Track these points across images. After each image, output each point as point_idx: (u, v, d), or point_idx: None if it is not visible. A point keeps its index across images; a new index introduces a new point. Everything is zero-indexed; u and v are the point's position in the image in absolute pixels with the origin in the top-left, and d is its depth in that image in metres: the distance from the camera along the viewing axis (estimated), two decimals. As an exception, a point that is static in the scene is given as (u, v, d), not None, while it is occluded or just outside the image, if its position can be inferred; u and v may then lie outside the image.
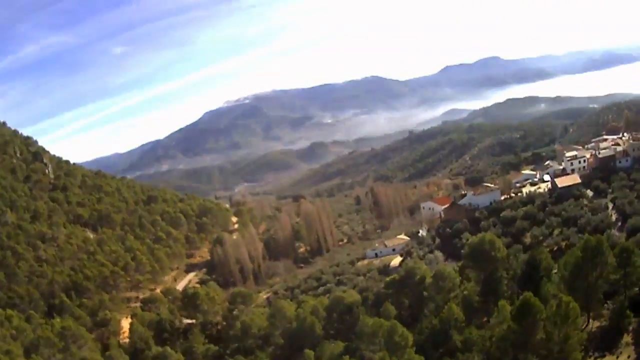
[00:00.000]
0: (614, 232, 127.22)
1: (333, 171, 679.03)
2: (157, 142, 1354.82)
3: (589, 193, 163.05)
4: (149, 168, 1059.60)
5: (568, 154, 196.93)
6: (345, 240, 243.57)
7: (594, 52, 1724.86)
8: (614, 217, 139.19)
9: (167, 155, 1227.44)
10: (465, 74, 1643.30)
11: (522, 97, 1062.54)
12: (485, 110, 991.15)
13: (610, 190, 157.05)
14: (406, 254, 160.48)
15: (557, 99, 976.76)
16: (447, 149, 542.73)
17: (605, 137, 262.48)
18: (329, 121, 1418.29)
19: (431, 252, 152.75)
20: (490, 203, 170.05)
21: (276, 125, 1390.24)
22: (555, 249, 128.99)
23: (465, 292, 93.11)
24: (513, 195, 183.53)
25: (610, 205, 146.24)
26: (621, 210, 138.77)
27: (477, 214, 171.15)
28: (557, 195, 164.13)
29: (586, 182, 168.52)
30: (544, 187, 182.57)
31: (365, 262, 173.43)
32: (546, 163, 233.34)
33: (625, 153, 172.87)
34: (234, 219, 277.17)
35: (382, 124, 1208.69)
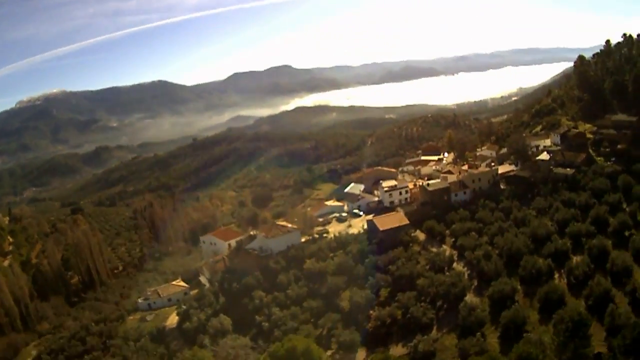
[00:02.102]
0: (471, 298, 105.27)
1: (116, 177, 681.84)
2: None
3: (420, 235, 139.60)
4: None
5: (385, 184, 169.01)
6: (120, 268, 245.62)
7: (394, 64, 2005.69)
8: (465, 275, 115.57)
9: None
10: (254, 81, 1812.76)
11: (312, 105, 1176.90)
12: (272, 118, 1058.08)
13: (448, 233, 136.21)
14: (184, 314, 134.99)
15: (350, 109, 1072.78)
16: (231, 158, 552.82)
17: (422, 157, 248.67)
18: (115, 125, 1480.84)
19: (215, 314, 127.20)
20: (288, 247, 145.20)
21: (64, 128, 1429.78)
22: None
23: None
24: (317, 236, 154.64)
25: (455, 254, 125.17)
26: (474, 266, 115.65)
27: (272, 264, 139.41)
28: (379, 240, 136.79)
29: (415, 220, 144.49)
30: (358, 227, 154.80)
31: (138, 315, 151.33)
32: (351, 186, 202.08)
33: (461, 185, 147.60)
34: (10, 239, 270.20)
35: (167, 129, 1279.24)
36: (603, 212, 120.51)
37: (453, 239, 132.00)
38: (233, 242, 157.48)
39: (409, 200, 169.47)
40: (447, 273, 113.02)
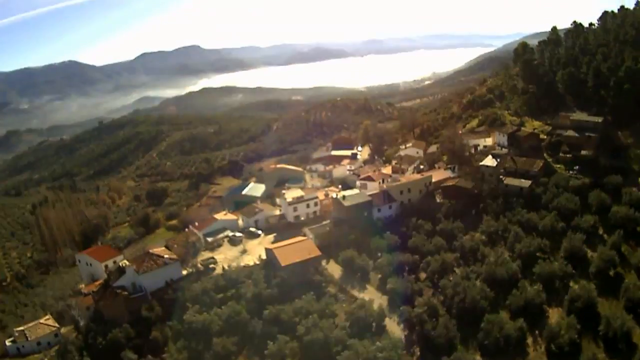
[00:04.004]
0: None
1: (24, 164, 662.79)
2: None
3: (336, 270, 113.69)
4: None
5: (289, 194, 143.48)
6: (8, 280, 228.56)
7: (304, 46, 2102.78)
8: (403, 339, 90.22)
9: None
10: (162, 61, 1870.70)
11: (218, 86, 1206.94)
12: (179, 99, 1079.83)
13: (372, 267, 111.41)
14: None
15: (257, 90, 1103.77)
16: (133, 143, 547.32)
17: (334, 152, 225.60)
18: (26, 107, 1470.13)
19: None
20: (167, 284, 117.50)
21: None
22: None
23: None
24: (202, 267, 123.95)
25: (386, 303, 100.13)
26: (415, 325, 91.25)
27: (144, 311, 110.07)
28: (281, 280, 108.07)
29: (328, 247, 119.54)
30: (255, 254, 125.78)
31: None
32: (250, 187, 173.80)
33: (386, 197, 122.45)
34: None
35: (75, 111, 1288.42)
36: (579, 243, 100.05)
37: (379, 275, 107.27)
38: (111, 263, 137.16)
39: (318, 214, 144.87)
40: (378, 343, 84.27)
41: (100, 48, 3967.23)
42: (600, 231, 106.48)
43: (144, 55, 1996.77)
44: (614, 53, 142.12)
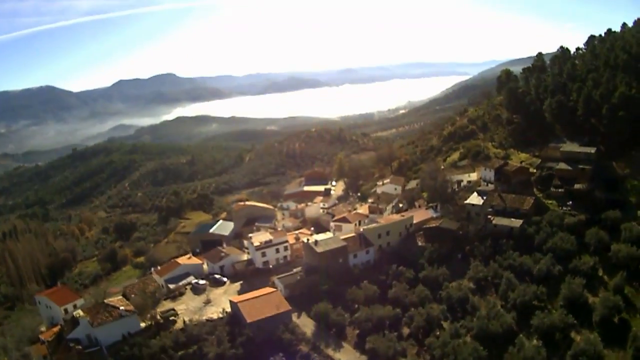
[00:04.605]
0: None
1: None
2: None
3: (308, 325, 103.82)
4: None
5: (257, 239, 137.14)
6: None
7: (279, 75, 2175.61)
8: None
9: None
10: (138, 89, 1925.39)
11: (193, 115, 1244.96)
12: (153, 128, 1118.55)
13: (348, 321, 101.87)
14: None
15: (232, 119, 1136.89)
16: (107, 172, 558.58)
17: (306, 188, 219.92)
18: (3, 131, 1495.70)
19: None
20: (124, 337, 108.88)
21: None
22: None
23: None
24: (161, 320, 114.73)
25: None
26: None
27: None
28: (246, 339, 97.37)
29: (299, 298, 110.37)
30: (220, 305, 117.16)
31: None
32: (218, 225, 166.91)
33: (363, 241, 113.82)
34: None
35: (52, 136, 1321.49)
36: (579, 289, 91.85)
37: (357, 331, 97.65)
38: (70, 307, 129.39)
39: (289, 258, 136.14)
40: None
41: (77, 74, 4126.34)
42: (600, 272, 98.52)
43: (120, 82, 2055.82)
44: (605, 79, 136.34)
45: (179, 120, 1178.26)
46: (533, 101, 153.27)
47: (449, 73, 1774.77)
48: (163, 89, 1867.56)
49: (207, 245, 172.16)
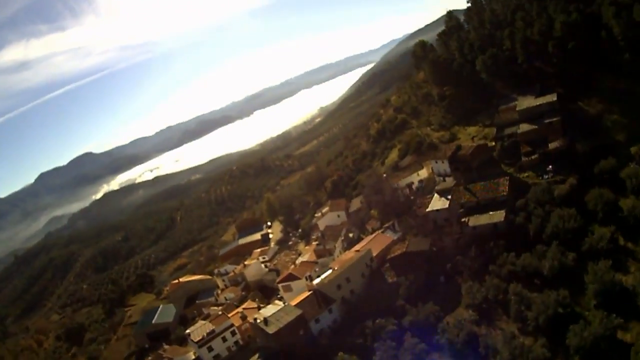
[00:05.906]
0: None
1: None
2: None
3: None
4: None
5: (196, 333, 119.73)
6: None
7: (187, 123, 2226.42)
8: None
9: None
10: (60, 177, 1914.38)
11: (119, 188, 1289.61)
12: (84, 211, 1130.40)
13: None
14: None
15: (156, 181, 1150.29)
16: (50, 272, 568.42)
17: (241, 241, 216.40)
18: None
19: None
20: None
21: None
22: None
23: None
24: None
25: None
26: None
27: None
28: None
29: None
30: None
31: None
32: (160, 311, 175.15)
33: (322, 300, 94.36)
34: None
35: None
36: (608, 274, 74.87)
37: None
38: None
39: (241, 342, 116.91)
40: None
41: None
42: (622, 241, 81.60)
43: (41, 175, 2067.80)
44: (535, 13, 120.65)
45: (107, 196, 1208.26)
46: (462, 65, 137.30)
47: (352, 67, 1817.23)
48: (84, 169, 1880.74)
49: (154, 337, 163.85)
